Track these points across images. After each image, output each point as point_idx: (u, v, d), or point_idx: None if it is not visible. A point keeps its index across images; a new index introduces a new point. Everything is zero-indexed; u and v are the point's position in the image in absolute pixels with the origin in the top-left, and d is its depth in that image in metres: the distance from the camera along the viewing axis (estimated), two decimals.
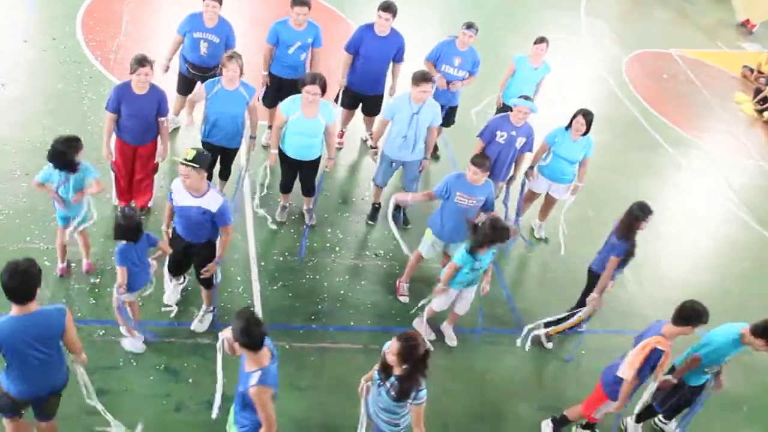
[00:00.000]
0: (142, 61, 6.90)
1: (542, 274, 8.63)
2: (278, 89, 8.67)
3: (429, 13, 13.48)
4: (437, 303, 7.04)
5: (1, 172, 7.78)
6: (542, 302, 8.05)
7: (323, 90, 7.32)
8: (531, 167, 8.43)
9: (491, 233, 6.37)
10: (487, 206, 7.23)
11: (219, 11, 8.20)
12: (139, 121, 7.13)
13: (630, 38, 15.13)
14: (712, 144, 12.34)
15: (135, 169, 7.47)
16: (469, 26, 8.80)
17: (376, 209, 8.64)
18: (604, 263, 7.02)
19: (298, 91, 8.64)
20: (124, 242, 5.86)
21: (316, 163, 7.81)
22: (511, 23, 13.74)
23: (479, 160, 7.03)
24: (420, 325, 7.26)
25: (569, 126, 8.13)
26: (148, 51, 8.06)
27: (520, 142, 8.07)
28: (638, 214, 6.86)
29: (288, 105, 7.47)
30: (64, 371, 4.99)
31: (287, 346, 6.79)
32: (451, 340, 7.37)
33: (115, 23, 10.75)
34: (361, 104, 9.26)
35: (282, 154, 7.73)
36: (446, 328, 7.40)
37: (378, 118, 8.45)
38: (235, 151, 7.82)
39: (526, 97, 8.09)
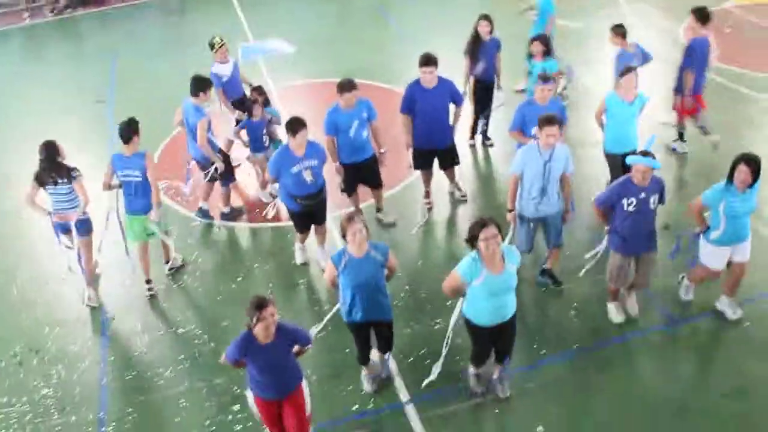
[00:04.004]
0: (263, 303, 5.41)
1: None
2: (353, 175, 8.72)
3: None
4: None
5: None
6: None
7: (499, 229, 5.89)
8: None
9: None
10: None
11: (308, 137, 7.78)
12: (275, 373, 5.67)
13: (678, 9, 14.49)
14: None
15: (287, 426, 5.90)
16: (545, 80, 8.13)
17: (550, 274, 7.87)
18: None
19: (374, 171, 8.80)
20: None
21: (515, 318, 6.29)
22: (559, 43, 13.33)
23: None
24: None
25: (730, 179, 6.63)
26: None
27: (653, 201, 6.76)
28: None
29: (468, 268, 5.95)
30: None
31: None
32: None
33: None
34: (437, 160, 9.13)
35: (473, 327, 6.26)
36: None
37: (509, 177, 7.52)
38: (390, 322, 6.59)
39: (645, 153, 6.65)
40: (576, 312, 7.55)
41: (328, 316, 7.04)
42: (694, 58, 9.25)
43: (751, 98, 11.23)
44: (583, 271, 7.63)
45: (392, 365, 7.04)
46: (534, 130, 7.64)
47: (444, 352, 6.56)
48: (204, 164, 9.14)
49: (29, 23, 18.52)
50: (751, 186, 6.60)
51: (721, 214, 6.71)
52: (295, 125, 7.62)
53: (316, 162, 7.85)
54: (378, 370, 6.92)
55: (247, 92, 10.17)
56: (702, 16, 9.17)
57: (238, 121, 9.66)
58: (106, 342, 7.83)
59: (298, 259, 8.69)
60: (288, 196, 8.02)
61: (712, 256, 6.99)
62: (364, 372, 6.88)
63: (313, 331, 7.07)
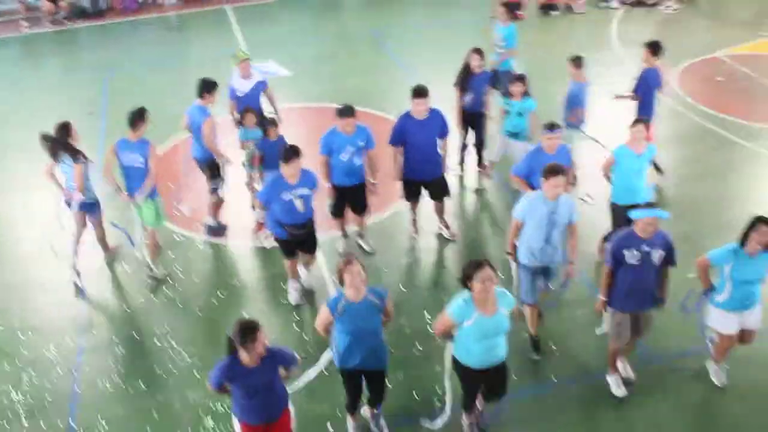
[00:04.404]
0: (253, 328, 5.20)
1: None
2: (342, 197, 8.75)
3: None
4: None
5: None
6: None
7: (494, 271, 5.71)
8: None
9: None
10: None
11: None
12: (262, 396, 5.47)
13: (672, 55, 14.74)
14: None
15: None
16: (552, 128, 7.99)
17: (536, 341, 7.43)
18: None
19: (361, 196, 8.79)
20: None
21: (505, 363, 6.08)
22: (556, 80, 13.37)
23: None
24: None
25: (743, 242, 6.28)
26: None
27: (659, 257, 6.37)
28: None
29: (459, 309, 5.73)
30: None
31: None
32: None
33: None
34: (426, 192, 9.09)
35: (463, 368, 6.00)
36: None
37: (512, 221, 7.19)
38: (384, 372, 6.32)
39: (650, 204, 6.41)
40: (556, 346, 7.52)
41: (320, 365, 6.84)
42: (643, 86, 9.74)
43: (737, 145, 11.36)
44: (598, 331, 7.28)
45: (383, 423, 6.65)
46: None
47: (448, 402, 6.30)
48: (203, 166, 9.24)
49: (28, 33, 18.58)
50: (765, 251, 6.27)
51: (726, 277, 6.43)
52: (289, 153, 7.46)
53: (308, 191, 7.70)
54: (365, 423, 6.64)
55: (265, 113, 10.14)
56: (655, 49, 9.78)
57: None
58: (81, 351, 7.75)
59: (292, 300, 8.33)
60: (276, 223, 7.86)
61: (719, 319, 6.68)
62: (351, 422, 6.57)
63: (310, 375, 6.87)
